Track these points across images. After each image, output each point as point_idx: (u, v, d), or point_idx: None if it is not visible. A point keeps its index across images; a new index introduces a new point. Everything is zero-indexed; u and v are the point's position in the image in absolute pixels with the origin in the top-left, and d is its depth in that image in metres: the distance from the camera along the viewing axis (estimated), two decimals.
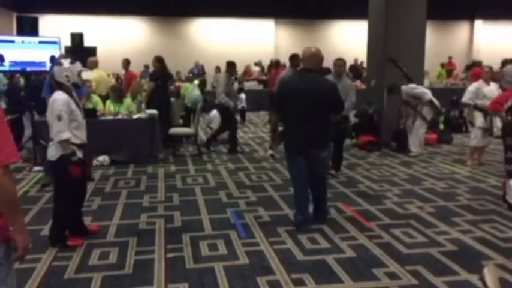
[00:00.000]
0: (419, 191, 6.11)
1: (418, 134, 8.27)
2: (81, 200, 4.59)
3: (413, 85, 8.23)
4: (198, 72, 17.18)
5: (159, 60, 9.17)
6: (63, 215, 4.32)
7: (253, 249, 4.23)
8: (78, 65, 4.22)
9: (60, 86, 4.11)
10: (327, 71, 6.95)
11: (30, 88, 9.33)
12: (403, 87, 8.22)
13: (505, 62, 13.01)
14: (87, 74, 9.01)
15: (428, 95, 8.11)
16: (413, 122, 8.27)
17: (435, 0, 10.78)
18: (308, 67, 4.52)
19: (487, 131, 7.40)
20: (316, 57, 4.51)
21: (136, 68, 12.33)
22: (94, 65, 9.70)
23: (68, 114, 4.06)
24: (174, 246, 4.31)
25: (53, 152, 4.13)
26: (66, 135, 4.05)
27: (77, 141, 4.19)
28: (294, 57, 8.21)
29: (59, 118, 3.99)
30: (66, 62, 4.13)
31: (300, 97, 4.42)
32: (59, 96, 4.06)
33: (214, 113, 10.04)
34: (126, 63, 11.19)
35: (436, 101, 8.13)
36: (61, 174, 4.16)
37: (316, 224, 4.78)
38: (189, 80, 10.19)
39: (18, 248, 1.99)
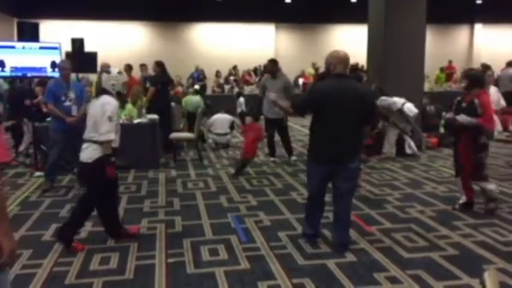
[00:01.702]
0: (420, 195, 6.11)
1: (389, 137, 8.45)
2: (116, 201, 4.75)
3: (383, 97, 8.29)
4: (198, 77, 17.20)
5: (159, 65, 9.19)
6: (84, 216, 4.45)
7: (254, 254, 4.22)
8: (124, 76, 4.52)
9: (104, 92, 4.35)
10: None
11: (10, 94, 9.36)
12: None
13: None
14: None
15: (397, 104, 8.17)
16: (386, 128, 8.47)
17: (435, 4, 10.81)
18: (343, 72, 4.07)
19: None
20: (348, 61, 4.13)
21: (136, 73, 12.35)
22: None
23: (115, 118, 4.30)
24: (174, 251, 4.31)
25: (90, 154, 4.24)
26: (113, 136, 4.26)
27: (114, 145, 4.38)
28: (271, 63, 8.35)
29: (110, 119, 4.19)
30: (114, 71, 4.47)
31: (339, 104, 3.98)
32: (111, 100, 4.29)
33: (216, 117, 10.05)
34: (128, 68, 11.23)
35: (408, 111, 8.13)
36: (97, 175, 4.27)
37: (335, 251, 4.26)
38: (189, 87, 10.23)
39: (3, 253, 1.90)
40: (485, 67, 13.34)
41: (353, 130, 4.06)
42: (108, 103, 4.24)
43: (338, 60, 4.04)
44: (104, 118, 4.16)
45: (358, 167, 4.26)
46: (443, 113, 9.99)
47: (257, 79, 17.51)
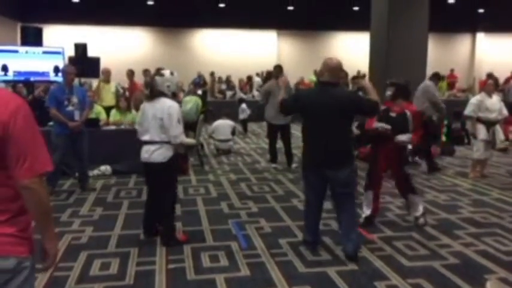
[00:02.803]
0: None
1: None
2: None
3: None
4: (199, 82, 17.21)
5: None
6: (172, 212, 4.70)
7: (254, 261, 4.21)
8: (176, 76, 4.58)
9: (161, 94, 4.42)
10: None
11: None
12: None
13: None
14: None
15: None
16: None
17: (437, 12, 10.84)
18: (330, 80, 4.07)
19: (490, 143, 7.41)
20: (338, 69, 4.12)
21: (139, 78, 12.39)
22: (108, 76, 9.78)
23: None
24: (175, 257, 4.29)
25: (164, 154, 4.37)
26: (184, 137, 4.49)
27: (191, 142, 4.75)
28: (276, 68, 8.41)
29: (179, 121, 4.35)
30: (167, 73, 4.52)
31: (320, 112, 4.04)
32: (172, 103, 4.40)
33: (217, 123, 10.06)
34: (131, 73, 11.30)
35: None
36: (172, 173, 4.56)
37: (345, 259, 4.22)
38: (191, 92, 10.19)
39: (48, 256, 1.99)
40: (490, 76, 13.38)
41: (337, 136, 4.07)
42: (171, 106, 4.34)
43: (326, 68, 4.07)
44: (173, 122, 4.28)
45: (351, 173, 4.14)
46: (445, 122, 10.01)
47: (256, 85, 17.51)
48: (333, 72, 4.03)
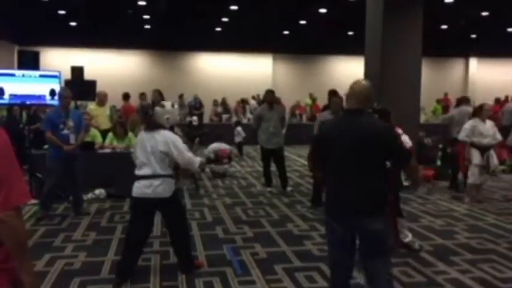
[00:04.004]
0: (417, 228, 6.06)
1: None
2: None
3: None
4: (195, 105, 17.30)
5: (160, 93, 9.27)
6: (189, 238, 4.68)
7: None
8: (177, 109, 4.64)
9: (160, 127, 4.29)
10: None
11: (7, 121, 9.35)
12: None
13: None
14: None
15: None
16: None
17: (430, 37, 10.99)
18: (353, 107, 3.22)
19: (484, 168, 7.43)
20: (363, 95, 3.23)
21: (135, 101, 12.44)
22: (104, 99, 9.81)
23: None
24: (169, 283, 4.24)
25: (168, 187, 4.23)
26: (198, 158, 4.47)
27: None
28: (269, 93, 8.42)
29: (187, 149, 4.33)
30: (168, 105, 4.45)
31: (348, 145, 3.13)
32: (172, 136, 4.29)
33: (213, 146, 10.06)
34: (125, 96, 11.53)
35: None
36: (180, 202, 4.61)
37: None
38: (186, 115, 10.24)
39: None
40: (497, 101, 13.56)
41: (369, 174, 3.11)
42: (172, 137, 4.25)
43: (350, 93, 3.26)
44: (181, 150, 4.20)
45: (383, 226, 3.11)
46: (440, 145, 10.05)
47: (252, 108, 17.60)
48: (357, 96, 3.23)
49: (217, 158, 9.42)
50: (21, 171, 1.88)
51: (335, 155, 3.21)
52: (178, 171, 4.41)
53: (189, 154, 4.28)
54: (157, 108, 4.38)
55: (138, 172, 4.26)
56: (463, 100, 9.78)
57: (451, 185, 8.60)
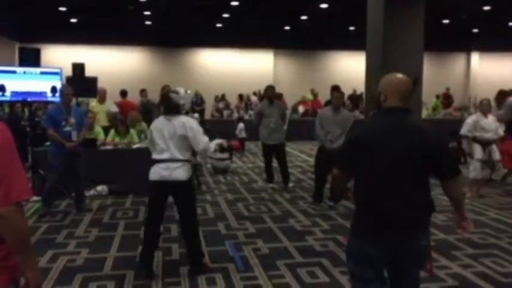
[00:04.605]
0: None
1: None
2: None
3: None
4: (197, 101, 17.28)
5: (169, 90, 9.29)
6: (198, 231, 4.65)
7: (251, 283, 4.17)
8: (190, 95, 4.56)
9: (178, 110, 4.36)
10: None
11: (9, 117, 9.38)
12: None
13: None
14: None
15: None
16: None
17: (432, 32, 10.96)
18: (396, 105, 2.69)
19: (486, 163, 7.42)
20: (405, 88, 2.72)
21: (134, 97, 12.44)
22: (104, 95, 9.82)
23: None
24: (171, 279, 4.25)
25: (186, 172, 4.27)
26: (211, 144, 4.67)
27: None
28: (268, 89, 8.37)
29: (203, 133, 4.39)
30: (181, 91, 4.62)
31: (394, 152, 2.61)
32: (189, 119, 4.42)
33: (215, 142, 10.06)
34: (122, 93, 11.68)
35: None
36: (192, 192, 4.51)
37: None
38: (187, 112, 10.21)
39: (30, 287, 1.92)
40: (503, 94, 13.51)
41: (418, 188, 2.65)
42: (189, 120, 4.36)
43: (391, 88, 2.71)
44: (198, 134, 4.26)
45: (428, 242, 2.74)
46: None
47: (256, 103, 17.59)
48: (406, 94, 2.71)
49: (229, 148, 9.47)
50: (22, 168, 1.88)
51: (382, 163, 2.61)
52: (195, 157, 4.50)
53: (205, 138, 4.33)
54: (172, 95, 4.42)
55: (156, 156, 4.30)
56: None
57: None
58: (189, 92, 4.72)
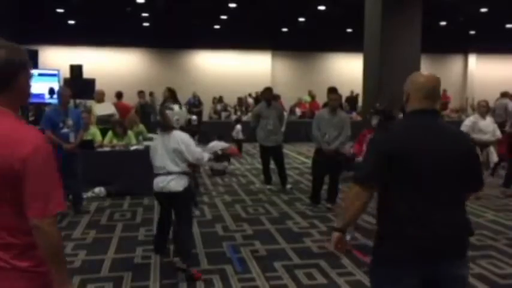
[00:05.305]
0: None
1: None
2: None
3: None
4: (194, 103, 17.29)
5: (171, 91, 9.23)
6: (192, 237, 4.89)
7: (249, 285, 4.18)
8: (185, 110, 4.91)
9: (172, 128, 4.57)
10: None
11: None
12: None
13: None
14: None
15: None
16: None
17: (429, 34, 11.00)
18: (425, 107, 2.35)
19: (484, 164, 7.44)
20: (433, 88, 2.38)
21: (131, 99, 12.43)
22: (102, 97, 9.81)
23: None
24: (169, 281, 4.25)
25: (181, 183, 4.48)
26: (206, 154, 4.93)
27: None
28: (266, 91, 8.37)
29: (195, 145, 4.63)
30: (176, 107, 4.77)
31: (428, 162, 2.26)
32: (183, 134, 4.56)
33: (212, 144, 10.08)
34: (117, 95, 11.62)
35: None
36: (188, 202, 4.67)
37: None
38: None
39: None
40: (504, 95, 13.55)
41: (457, 204, 2.36)
42: (181, 135, 4.54)
43: (416, 87, 2.37)
44: (191, 147, 4.49)
45: (468, 271, 2.52)
46: None
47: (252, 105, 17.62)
48: (427, 91, 2.35)
49: (225, 155, 9.47)
50: (60, 181, 1.90)
51: (420, 176, 2.24)
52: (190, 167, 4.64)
53: (197, 149, 4.60)
54: (167, 111, 4.68)
55: (155, 171, 4.61)
56: None
57: None
58: (184, 108, 4.89)
